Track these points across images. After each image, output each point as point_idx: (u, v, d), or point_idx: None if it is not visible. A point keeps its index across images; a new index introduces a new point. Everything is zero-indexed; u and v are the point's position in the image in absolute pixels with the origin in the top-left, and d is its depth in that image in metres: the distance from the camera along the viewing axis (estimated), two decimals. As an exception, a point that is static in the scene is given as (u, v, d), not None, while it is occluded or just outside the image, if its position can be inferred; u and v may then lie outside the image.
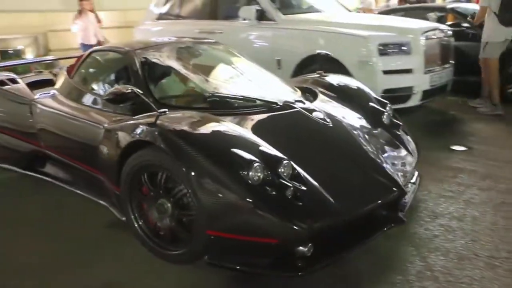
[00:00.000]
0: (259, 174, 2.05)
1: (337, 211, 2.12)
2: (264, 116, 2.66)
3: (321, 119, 2.68)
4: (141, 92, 2.53)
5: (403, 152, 2.81)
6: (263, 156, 2.14)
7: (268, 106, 2.75)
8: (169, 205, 2.27)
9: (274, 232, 1.98)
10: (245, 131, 2.35)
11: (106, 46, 3.40)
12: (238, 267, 2.09)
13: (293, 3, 5.91)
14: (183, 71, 3.10)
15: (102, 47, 3.45)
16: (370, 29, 4.55)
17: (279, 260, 2.07)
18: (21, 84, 3.61)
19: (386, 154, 2.66)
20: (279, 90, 3.12)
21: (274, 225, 1.97)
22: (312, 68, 4.39)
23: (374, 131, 2.89)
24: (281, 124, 2.63)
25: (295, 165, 2.21)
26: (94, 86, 3.23)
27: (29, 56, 8.63)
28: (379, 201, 2.32)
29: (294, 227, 1.96)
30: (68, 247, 2.52)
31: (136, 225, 2.40)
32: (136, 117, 2.49)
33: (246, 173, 2.02)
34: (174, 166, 2.16)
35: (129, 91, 2.44)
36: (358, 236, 2.25)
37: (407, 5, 8.43)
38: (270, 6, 5.09)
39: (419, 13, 6.14)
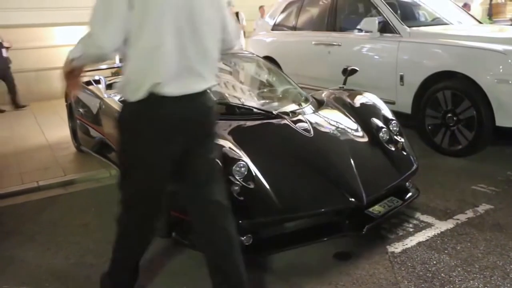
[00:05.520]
0: None
1: (278, 210, 2.41)
2: (255, 123, 3.03)
3: (304, 129, 2.94)
4: None
5: (387, 168, 2.91)
6: (224, 156, 2.53)
7: (263, 114, 3.11)
8: None
9: (215, 219, 2.37)
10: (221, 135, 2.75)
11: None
12: (193, 246, 2.52)
13: (418, 15, 5.54)
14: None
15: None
16: (509, 43, 3.97)
17: None
18: (102, 85, 4.50)
19: (364, 167, 2.79)
20: (287, 101, 3.44)
21: (215, 213, 2.35)
22: (440, 86, 4.22)
23: (365, 145, 3.04)
24: (265, 131, 2.97)
25: (253, 167, 2.56)
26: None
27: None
28: (329, 208, 2.53)
29: (230, 217, 2.32)
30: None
31: None
32: None
33: None
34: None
35: None
36: (306, 235, 2.53)
37: None
38: (395, 18, 4.84)
39: None
